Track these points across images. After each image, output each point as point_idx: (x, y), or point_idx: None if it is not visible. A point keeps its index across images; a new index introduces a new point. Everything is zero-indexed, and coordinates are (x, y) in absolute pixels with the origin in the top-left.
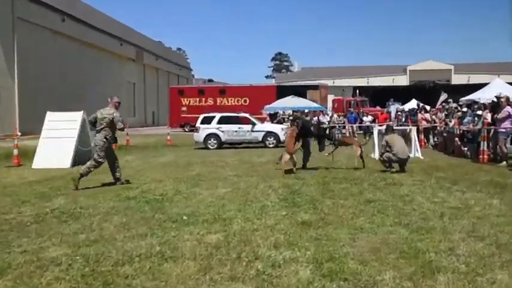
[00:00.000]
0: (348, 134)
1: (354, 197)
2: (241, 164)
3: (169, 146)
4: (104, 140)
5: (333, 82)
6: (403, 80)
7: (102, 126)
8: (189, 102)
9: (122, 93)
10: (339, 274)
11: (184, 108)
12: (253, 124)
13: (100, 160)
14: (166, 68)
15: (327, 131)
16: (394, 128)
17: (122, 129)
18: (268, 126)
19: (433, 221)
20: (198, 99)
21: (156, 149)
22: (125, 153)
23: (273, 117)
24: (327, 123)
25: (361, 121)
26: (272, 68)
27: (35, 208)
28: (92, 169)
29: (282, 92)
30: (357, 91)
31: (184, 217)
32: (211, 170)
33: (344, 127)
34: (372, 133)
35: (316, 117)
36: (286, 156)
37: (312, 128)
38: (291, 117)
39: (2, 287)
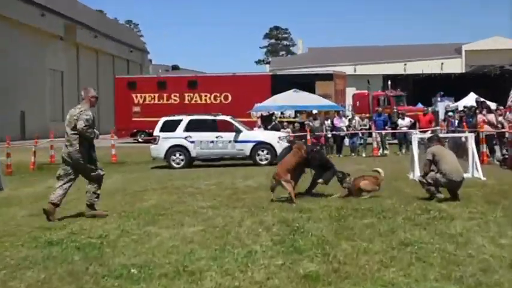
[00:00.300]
0: (375, 144)
1: (383, 237)
2: (219, 190)
3: (114, 165)
4: (79, 151)
5: (354, 69)
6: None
7: (73, 132)
8: (144, 100)
9: (43, 86)
10: None
11: (136, 109)
12: (238, 131)
13: (99, 173)
14: (110, 49)
15: (346, 140)
16: (443, 135)
17: (83, 133)
18: (260, 134)
19: (499, 273)
20: (157, 95)
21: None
22: (47, 175)
23: (267, 121)
24: (344, 129)
25: (395, 126)
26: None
27: None
28: (98, 192)
29: (280, 83)
30: (389, 82)
31: (133, 270)
32: (175, 199)
33: (370, 135)
34: (411, 143)
35: (329, 121)
36: (287, 185)
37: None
38: (296, 123)
39: None
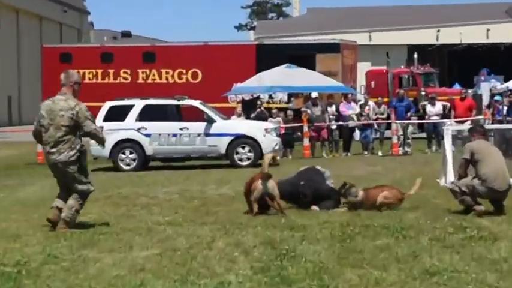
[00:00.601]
0: (395, 139)
1: (401, 264)
2: (183, 200)
3: (40, 167)
4: (75, 156)
5: (369, 38)
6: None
7: (60, 134)
8: (83, 78)
9: None
10: None
11: None
12: (210, 121)
13: (89, 189)
14: (35, 8)
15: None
16: (487, 127)
17: (96, 136)
18: (240, 124)
19: None
20: (100, 71)
21: (12, 173)
22: None
23: (250, 108)
24: (354, 118)
25: (422, 114)
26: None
27: None
28: (80, 210)
29: (268, 56)
30: (415, 55)
31: None
32: (122, 212)
33: (388, 126)
34: (443, 138)
35: (334, 107)
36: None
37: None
38: (289, 110)
39: None
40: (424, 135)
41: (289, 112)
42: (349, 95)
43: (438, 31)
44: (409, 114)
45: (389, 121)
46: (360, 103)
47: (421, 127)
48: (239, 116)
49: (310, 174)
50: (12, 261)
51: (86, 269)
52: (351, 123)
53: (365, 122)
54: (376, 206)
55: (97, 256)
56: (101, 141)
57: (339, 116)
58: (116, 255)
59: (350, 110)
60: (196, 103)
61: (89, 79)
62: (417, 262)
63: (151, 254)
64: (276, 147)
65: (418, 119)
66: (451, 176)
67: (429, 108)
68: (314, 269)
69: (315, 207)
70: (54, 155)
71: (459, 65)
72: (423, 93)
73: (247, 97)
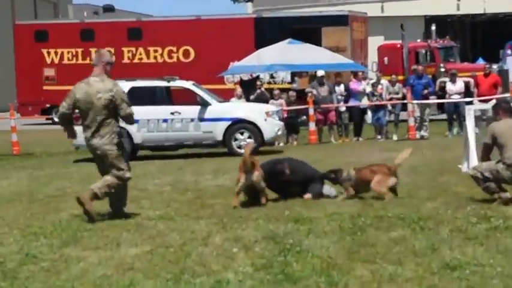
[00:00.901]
0: (411, 122)
1: (419, 258)
2: (175, 192)
3: (15, 158)
4: (116, 140)
5: (381, 8)
6: None
7: (101, 118)
8: (61, 59)
9: None
10: None
11: (49, 72)
12: (204, 104)
13: (125, 175)
14: None
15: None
16: None
17: (130, 119)
18: (238, 108)
19: None
20: (80, 50)
21: None
22: None
23: (248, 88)
24: (365, 98)
25: (442, 92)
26: None
27: None
28: (113, 190)
29: (268, 31)
30: (433, 27)
31: None
32: (108, 207)
33: (404, 107)
34: (464, 119)
35: (342, 87)
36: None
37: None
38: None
39: None
40: (444, 116)
41: (292, 93)
42: (360, 73)
43: (459, 0)
44: (425, 91)
45: (405, 101)
46: (371, 82)
47: (440, 108)
48: (239, 98)
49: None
50: None
51: (68, 269)
52: (362, 104)
53: (378, 102)
54: (368, 188)
55: (81, 255)
56: (130, 121)
57: (349, 96)
58: (101, 254)
59: (359, 87)
60: (188, 84)
61: (68, 59)
62: (436, 255)
63: (140, 251)
64: (279, 133)
65: (438, 98)
66: (473, 161)
67: (449, 86)
68: (321, 265)
69: (307, 195)
70: (96, 139)
71: (483, 37)
72: (442, 69)
73: (245, 77)
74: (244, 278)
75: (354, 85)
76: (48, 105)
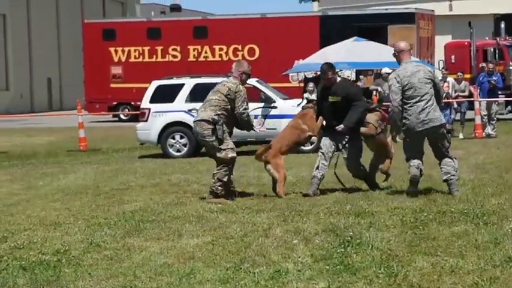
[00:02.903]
0: (478, 120)
1: (481, 251)
2: (238, 187)
3: (83, 153)
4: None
5: (450, 7)
6: None
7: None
8: (128, 57)
9: None
10: None
11: (116, 70)
12: (269, 101)
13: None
14: None
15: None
16: None
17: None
18: (302, 104)
19: None
20: (147, 49)
21: (53, 160)
22: None
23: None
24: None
25: (509, 90)
26: None
27: None
28: (224, 179)
29: (333, 29)
30: (502, 25)
31: None
32: (171, 200)
33: (470, 104)
34: None
35: None
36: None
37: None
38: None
39: None
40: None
41: None
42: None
43: None
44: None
45: (472, 99)
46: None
47: (509, 106)
48: (311, 93)
49: None
50: (51, 250)
51: (130, 258)
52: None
53: (445, 100)
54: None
55: (143, 244)
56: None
57: None
58: (163, 243)
59: None
60: (252, 81)
61: (135, 57)
62: (499, 249)
63: (201, 241)
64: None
65: (507, 97)
66: None
67: None
68: (381, 257)
69: (340, 127)
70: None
71: None
72: (511, 67)
73: (309, 75)
74: (303, 268)
75: None
76: (115, 103)
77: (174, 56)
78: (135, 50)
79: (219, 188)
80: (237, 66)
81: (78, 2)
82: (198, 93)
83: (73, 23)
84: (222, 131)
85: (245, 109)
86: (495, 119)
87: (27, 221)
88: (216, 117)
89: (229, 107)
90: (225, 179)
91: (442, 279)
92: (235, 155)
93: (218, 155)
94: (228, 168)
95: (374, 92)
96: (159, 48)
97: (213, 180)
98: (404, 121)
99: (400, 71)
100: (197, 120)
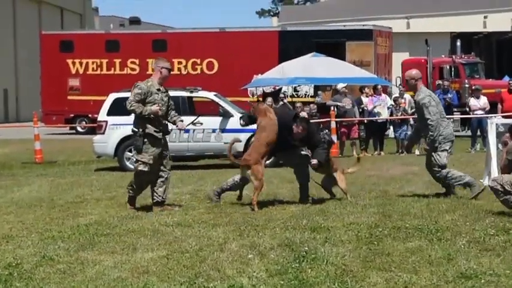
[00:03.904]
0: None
1: (434, 267)
2: (195, 201)
3: (38, 166)
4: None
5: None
6: None
7: None
8: (86, 69)
9: None
10: None
11: (74, 82)
12: (226, 115)
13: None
14: None
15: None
16: None
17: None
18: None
19: None
20: (105, 61)
21: (7, 172)
22: None
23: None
24: (385, 112)
25: (466, 108)
26: None
27: None
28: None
29: (292, 44)
30: (458, 43)
31: None
32: (126, 214)
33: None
34: (486, 135)
35: (367, 103)
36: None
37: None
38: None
39: None
40: (467, 132)
41: (312, 106)
42: (378, 87)
43: (485, 17)
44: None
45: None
46: (394, 96)
47: (464, 124)
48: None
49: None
50: (3, 263)
51: (83, 271)
52: (381, 119)
53: (400, 117)
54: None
55: (97, 258)
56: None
57: (365, 112)
58: (117, 257)
59: (381, 105)
60: (210, 95)
61: (93, 70)
62: (452, 265)
63: (156, 256)
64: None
65: (462, 114)
66: (495, 174)
67: (473, 102)
68: (336, 272)
69: (314, 161)
70: None
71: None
72: (466, 85)
73: (268, 90)
74: (258, 283)
75: (377, 101)
76: (72, 115)
77: (133, 69)
78: (93, 62)
79: (130, 191)
80: (156, 64)
81: (36, 13)
82: None
83: (30, 34)
84: (141, 142)
85: (130, 102)
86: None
87: None
88: (134, 129)
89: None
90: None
91: None
92: (146, 169)
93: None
94: (137, 181)
95: (332, 108)
96: (118, 61)
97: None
98: (444, 133)
99: (427, 92)
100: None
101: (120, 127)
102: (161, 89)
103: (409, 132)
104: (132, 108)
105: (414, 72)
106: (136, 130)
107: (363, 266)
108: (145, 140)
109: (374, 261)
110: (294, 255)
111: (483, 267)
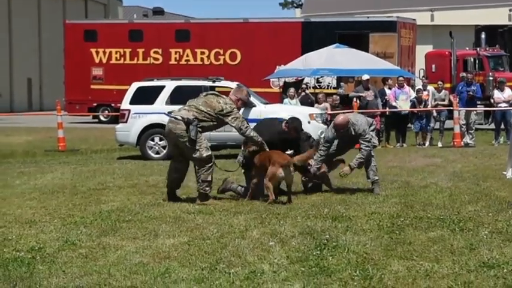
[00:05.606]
0: (457, 129)
1: (456, 256)
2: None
3: (61, 154)
4: None
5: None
6: None
7: None
8: (109, 58)
9: None
10: None
11: (97, 71)
12: (249, 105)
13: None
14: None
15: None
16: None
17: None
18: (282, 109)
19: None
20: (129, 51)
21: (30, 160)
22: None
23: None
24: (408, 105)
25: (488, 101)
26: None
27: None
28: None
29: (315, 35)
30: (483, 35)
31: None
32: (148, 201)
33: (449, 113)
34: (510, 128)
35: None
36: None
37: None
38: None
39: None
40: (492, 126)
41: (336, 97)
42: (406, 79)
43: (511, 10)
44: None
45: (451, 108)
46: (417, 88)
47: (488, 116)
48: (292, 98)
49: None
50: (25, 247)
51: (105, 256)
52: (404, 111)
53: (423, 109)
54: None
55: (118, 243)
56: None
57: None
58: (139, 243)
59: (404, 97)
60: (233, 85)
61: (116, 59)
62: (474, 255)
63: (178, 242)
64: (322, 136)
65: (485, 107)
66: None
67: (497, 95)
68: (357, 260)
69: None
70: None
71: None
72: (490, 78)
73: (290, 80)
74: (279, 270)
75: (401, 93)
76: (95, 104)
77: (156, 59)
78: (116, 52)
79: (206, 188)
80: (235, 92)
81: (60, 3)
82: (179, 96)
83: (55, 23)
84: (195, 132)
85: (246, 128)
86: (473, 128)
87: (2, 218)
88: (191, 118)
89: (215, 123)
90: (209, 178)
91: (417, 283)
92: (210, 153)
93: (194, 155)
94: (209, 167)
95: (354, 99)
96: (141, 51)
97: (198, 183)
98: None
99: None
100: (172, 117)
101: (143, 116)
102: None
103: (431, 125)
104: (253, 134)
105: None
106: (192, 120)
107: (385, 255)
108: (199, 130)
109: (395, 249)
110: (315, 243)
111: (505, 257)
